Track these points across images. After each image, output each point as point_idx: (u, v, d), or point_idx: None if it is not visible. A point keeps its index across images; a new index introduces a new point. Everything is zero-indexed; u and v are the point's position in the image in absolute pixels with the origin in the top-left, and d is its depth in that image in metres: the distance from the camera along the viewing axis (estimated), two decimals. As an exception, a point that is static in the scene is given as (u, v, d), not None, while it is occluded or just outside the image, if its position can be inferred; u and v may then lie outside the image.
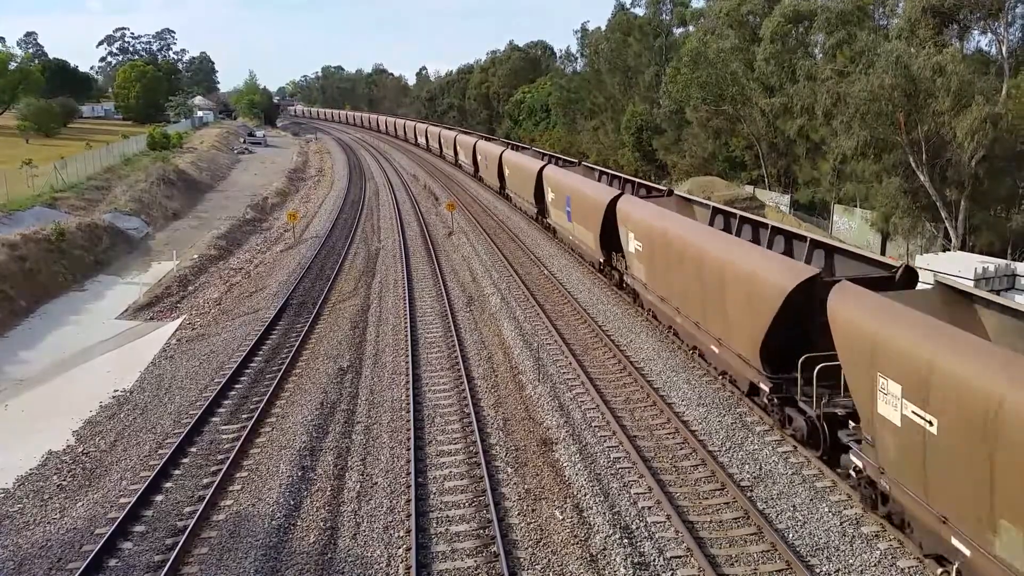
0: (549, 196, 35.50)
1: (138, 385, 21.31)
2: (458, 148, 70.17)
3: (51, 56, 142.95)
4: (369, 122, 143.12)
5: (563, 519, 13.30)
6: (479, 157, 59.30)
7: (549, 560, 12.23)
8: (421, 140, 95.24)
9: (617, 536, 12.60)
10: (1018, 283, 25.17)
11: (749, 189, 52.97)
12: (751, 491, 13.96)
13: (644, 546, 12.44)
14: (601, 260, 27.73)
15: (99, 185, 53.21)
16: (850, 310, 12.32)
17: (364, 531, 13.22)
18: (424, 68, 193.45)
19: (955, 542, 10.28)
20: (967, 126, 31.92)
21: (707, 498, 13.88)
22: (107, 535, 12.95)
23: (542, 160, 41.68)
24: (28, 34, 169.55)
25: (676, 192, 26.20)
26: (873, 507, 12.68)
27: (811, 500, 13.56)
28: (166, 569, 12.00)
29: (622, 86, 70.98)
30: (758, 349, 15.49)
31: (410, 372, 20.14)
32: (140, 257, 40.20)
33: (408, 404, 18.12)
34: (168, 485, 14.98)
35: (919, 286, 14.38)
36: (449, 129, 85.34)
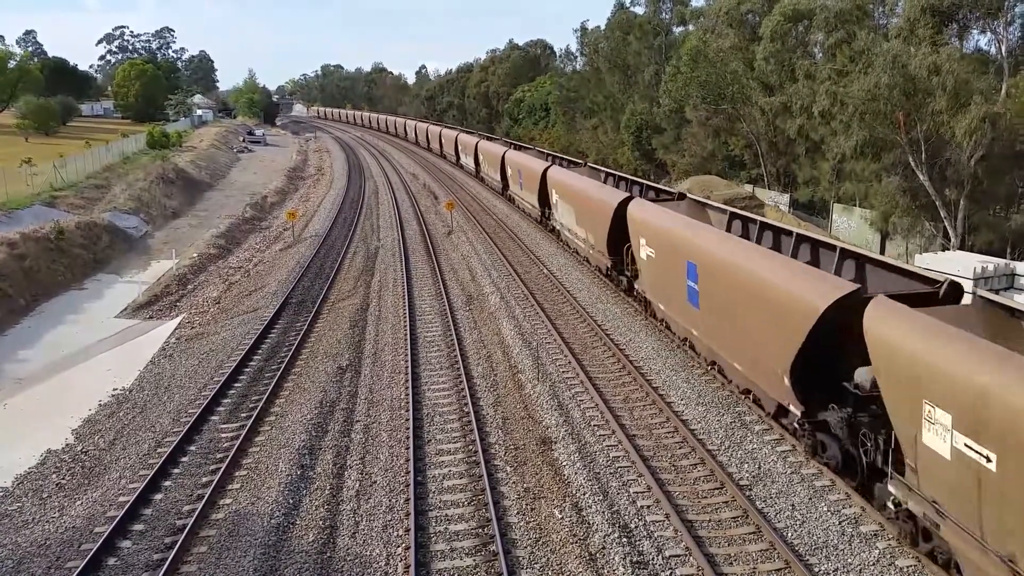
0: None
1: (137, 384, 21.31)
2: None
3: (50, 54, 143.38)
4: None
5: (562, 518, 13.31)
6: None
7: (548, 559, 12.24)
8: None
9: (616, 535, 12.62)
10: (1017, 282, 25.18)
11: (748, 188, 52.96)
12: (750, 490, 13.97)
13: (643, 545, 12.45)
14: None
15: (98, 184, 53.21)
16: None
17: (363, 530, 13.22)
18: (423, 67, 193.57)
19: None
20: (966, 125, 31.92)
21: (706, 497, 13.89)
22: (106, 534, 12.95)
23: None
24: (27, 32, 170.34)
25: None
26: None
27: (810, 499, 13.57)
28: (165, 568, 12.00)
29: (621, 85, 70.93)
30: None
31: (409, 371, 20.14)
32: (139, 256, 40.17)
33: (407, 403, 18.13)
34: (167, 484, 14.99)
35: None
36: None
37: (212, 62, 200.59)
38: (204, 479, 15.09)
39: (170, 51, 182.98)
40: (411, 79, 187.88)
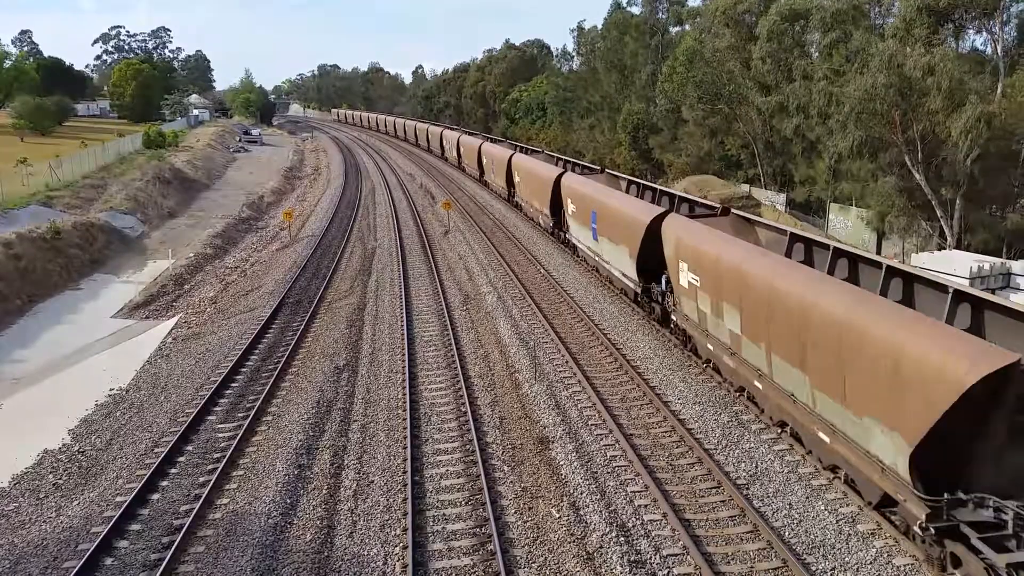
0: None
1: (134, 384, 21.28)
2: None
3: (46, 54, 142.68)
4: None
5: (560, 517, 13.32)
6: (485, 161, 55.00)
7: (546, 558, 12.25)
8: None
9: (613, 534, 12.63)
10: (1013, 282, 25.25)
11: (745, 188, 53.05)
12: (747, 489, 13.99)
13: (640, 544, 12.46)
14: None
15: (94, 184, 53.09)
16: None
17: (360, 529, 13.22)
18: (420, 66, 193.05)
19: None
20: (961, 125, 31.97)
21: (703, 496, 13.91)
22: (103, 534, 12.94)
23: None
24: (23, 32, 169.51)
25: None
26: None
27: (807, 498, 13.60)
28: (162, 568, 11.99)
29: (618, 85, 70.96)
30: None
31: (407, 371, 20.14)
32: (136, 256, 40.11)
33: (405, 402, 18.13)
34: (164, 484, 14.98)
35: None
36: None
37: (208, 62, 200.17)
38: (201, 479, 15.07)
39: (166, 51, 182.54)
40: (407, 79, 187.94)
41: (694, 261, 18.84)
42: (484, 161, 55.76)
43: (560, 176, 33.87)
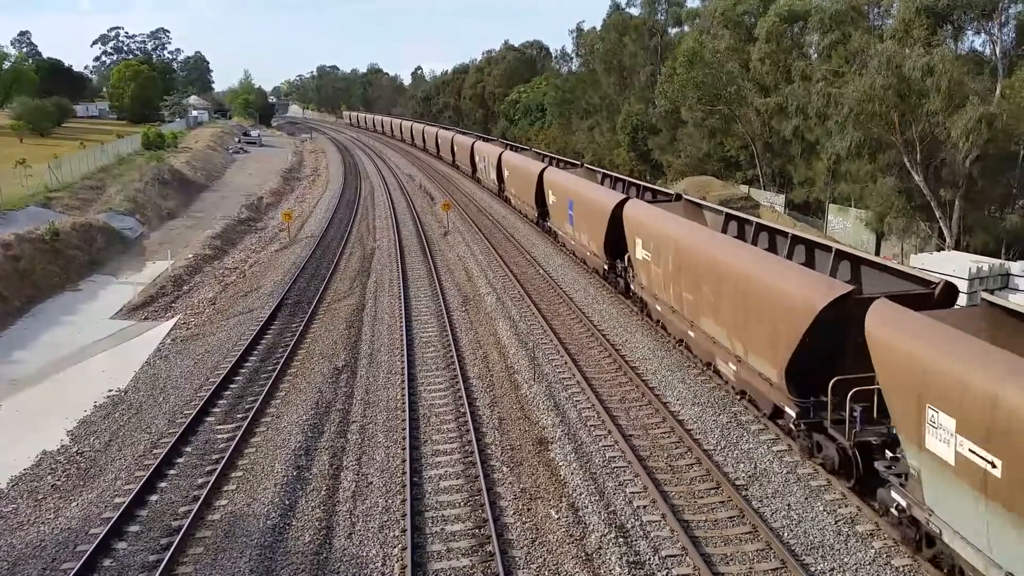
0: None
1: (133, 385, 21.26)
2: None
3: (45, 55, 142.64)
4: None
5: (558, 518, 13.31)
6: (552, 200, 35.19)
7: (544, 559, 12.24)
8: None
9: (612, 535, 12.62)
10: (1012, 283, 25.24)
11: (744, 189, 53.08)
12: (746, 490, 13.98)
13: (639, 545, 12.45)
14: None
15: (93, 185, 53.08)
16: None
17: (359, 530, 13.21)
18: (420, 68, 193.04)
19: None
20: (962, 126, 31.98)
21: (702, 497, 13.90)
22: (102, 535, 12.93)
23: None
24: (22, 33, 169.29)
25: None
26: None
27: (806, 499, 13.59)
28: (161, 569, 11.98)
29: (617, 86, 70.98)
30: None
31: (405, 372, 20.13)
32: (135, 257, 40.08)
33: (403, 403, 18.12)
34: (163, 485, 14.96)
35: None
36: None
37: (207, 63, 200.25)
38: (200, 480, 15.05)
39: (165, 52, 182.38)
40: (407, 80, 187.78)
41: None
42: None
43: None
